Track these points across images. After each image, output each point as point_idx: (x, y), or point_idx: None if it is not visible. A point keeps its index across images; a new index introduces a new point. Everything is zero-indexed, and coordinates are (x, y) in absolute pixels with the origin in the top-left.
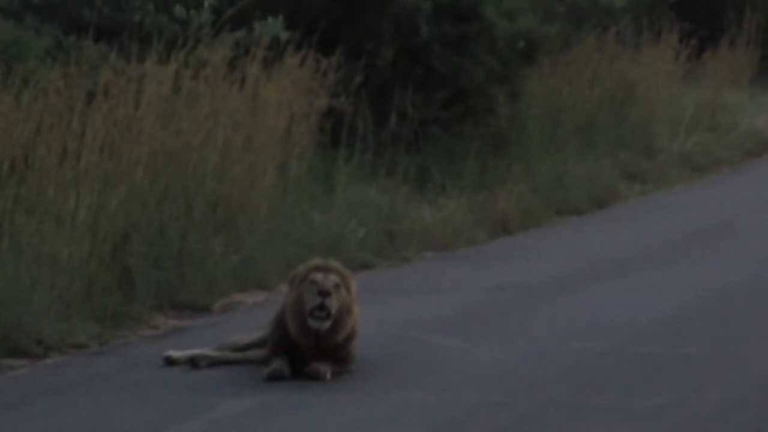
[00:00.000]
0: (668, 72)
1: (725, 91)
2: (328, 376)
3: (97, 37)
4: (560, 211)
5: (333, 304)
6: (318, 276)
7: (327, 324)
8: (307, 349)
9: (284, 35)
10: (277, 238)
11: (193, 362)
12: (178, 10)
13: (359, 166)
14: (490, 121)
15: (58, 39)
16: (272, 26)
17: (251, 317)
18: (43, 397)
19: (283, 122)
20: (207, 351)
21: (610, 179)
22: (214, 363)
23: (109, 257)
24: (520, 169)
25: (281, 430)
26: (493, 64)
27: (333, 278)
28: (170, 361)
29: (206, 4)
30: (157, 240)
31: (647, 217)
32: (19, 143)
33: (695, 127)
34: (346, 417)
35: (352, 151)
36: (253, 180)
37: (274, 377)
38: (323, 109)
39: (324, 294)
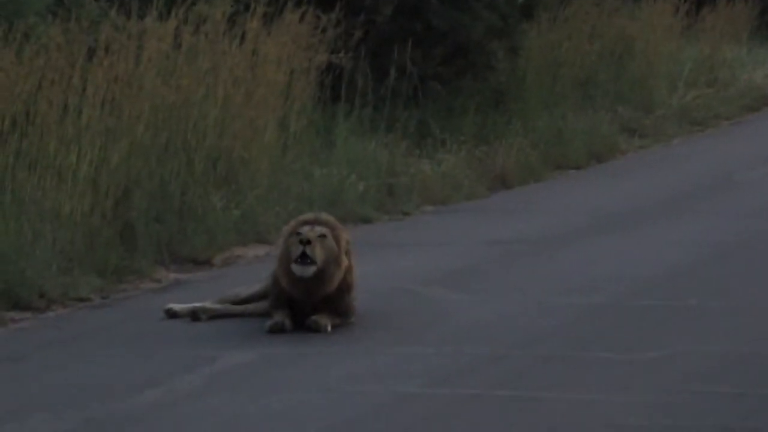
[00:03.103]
0: (667, 27)
1: (723, 47)
2: (329, 328)
3: None
4: (559, 165)
5: (316, 252)
6: (304, 228)
7: (310, 270)
8: (301, 301)
9: None
10: (278, 193)
11: (194, 315)
12: None
13: (359, 121)
14: (489, 76)
15: None
16: None
17: (252, 271)
18: (46, 349)
19: (283, 78)
20: (208, 304)
21: (609, 134)
22: (215, 316)
23: (111, 212)
24: (519, 124)
25: (283, 382)
26: (492, 19)
27: (319, 229)
28: (171, 314)
29: None
30: (158, 194)
31: (646, 172)
32: (20, 99)
33: (694, 82)
34: (346, 369)
35: (352, 106)
36: (253, 135)
37: (276, 330)
38: (323, 65)
39: (304, 243)
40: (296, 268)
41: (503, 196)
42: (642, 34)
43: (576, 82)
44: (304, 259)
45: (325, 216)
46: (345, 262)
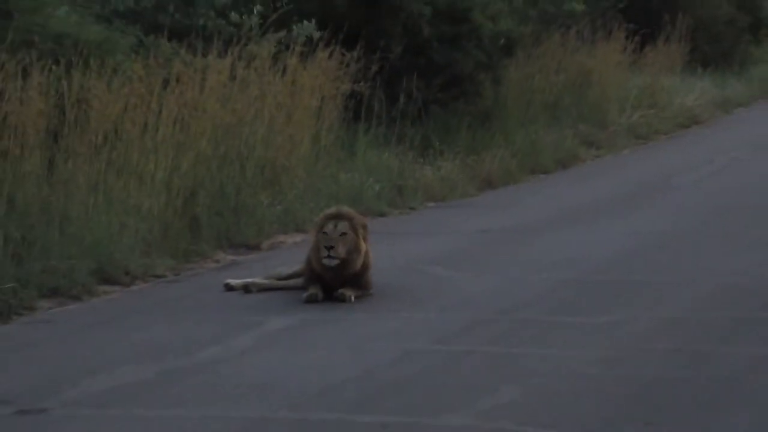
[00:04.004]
0: (617, 62)
1: (662, 77)
2: (353, 299)
3: (170, 37)
4: (533, 170)
5: (339, 250)
6: (329, 227)
7: (335, 262)
8: (330, 280)
9: (316, 34)
10: (312, 193)
11: (246, 288)
12: (233, 15)
13: (375, 136)
14: (478, 100)
15: (140, 38)
16: (307, 28)
17: (292, 254)
18: (131, 315)
19: (316, 102)
20: (257, 279)
21: (572, 146)
22: (263, 289)
23: (181, 208)
24: (501, 138)
25: (316, 340)
26: (480, 56)
27: (341, 226)
28: (229, 288)
29: (255, 11)
30: (218, 194)
31: (601, 176)
32: (110, 119)
33: (638, 105)
34: (366, 330)
35: (370, 125)
36: (292, 147)
37: (311, 300)
38: (347, 92)
39: (329, 247)
40: (325, 261)
41: (489, 195)
42: (598, 68)
43: (546, 105)
44: (330, 256)
45: (345, 209)
46: (363, 247)
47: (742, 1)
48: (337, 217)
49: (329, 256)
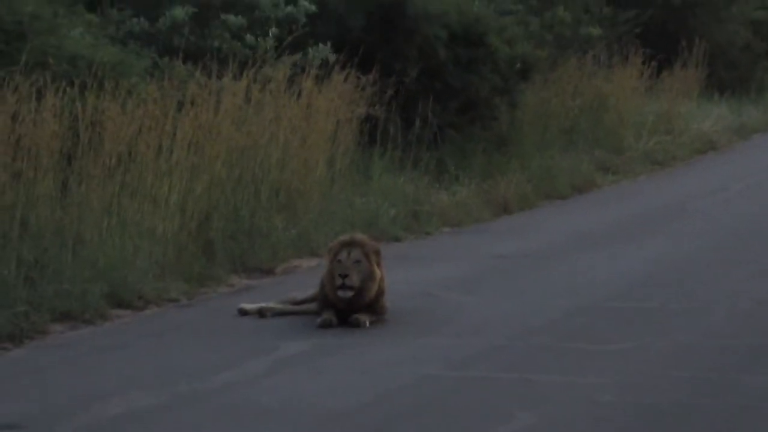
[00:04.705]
0: (634, 87)
1: (678, 103)
2: (367, 324)
3: (185, 59)
4: (549, 196)
5: (354, 279)
6: (343, 254)
7: (350, 294)
8: (345, 307)
9: (332, 57)
10: (327, 217)
11: (260, 313)
12: (249, 38)
13: (390, 160)
14: (494, 125)
15: (155, 60)
16: (322, 51)
17: (306, 278)
18: (144, 339)
19: (331, 126)
20: (272, 304)
21: (588, 171)
22: (278, 314)
23: (195, 231)
24: (517, 163)
25: (330, 365)
26: (496, 80)
27: (354, 254)
28: (243, 312)
29: (270, 33)
30: (232, 218)
31: (617, 201)
32: (124, 141)
33: (655, 131)
34: (381, 356)
35: (385, 148)
36: (307, 171)
37: (325, 325)
38: (362, 116)
39: (344, 276)
40: (340, 293)
41: (505, 220)
42: (614, 93)
43: (562, 130)
44: (344, 287)
45: (359, 236)
46: (378, 273)
47: (759, 27)
48: (351, 244)
49: (344, 287)
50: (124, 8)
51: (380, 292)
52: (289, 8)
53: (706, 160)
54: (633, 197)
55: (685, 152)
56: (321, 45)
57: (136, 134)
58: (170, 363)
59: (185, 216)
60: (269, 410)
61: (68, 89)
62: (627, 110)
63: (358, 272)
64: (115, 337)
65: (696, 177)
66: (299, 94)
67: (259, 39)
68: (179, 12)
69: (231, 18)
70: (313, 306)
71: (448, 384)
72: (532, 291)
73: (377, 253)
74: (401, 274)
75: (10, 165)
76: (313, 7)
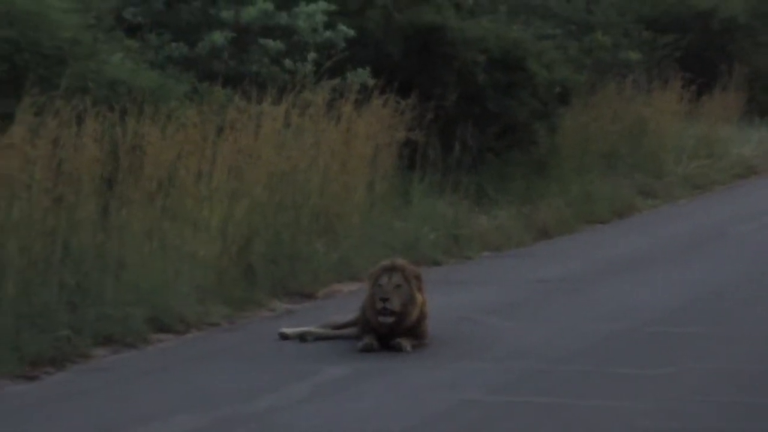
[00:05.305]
0: (674, 111)
1: (719, 127)
2: (408, 348)
3: (224, 84)
4: (589, 220)
5: (395, 303)
6: (384, 280)
7: (390, 320)
8: (386, 332)
9: (371, 82)
10: (367, 241)
11: (301, 337)
12: (288, 62)
13: (430, 184)
14: (533, 149)
15: (194, 85)
16: (361, 75)
17: (347, 302)
18: (186, 363)
19: (371, 150)
20: (313, 328)
21: (628, 195)
22: (319, 338)
23: (236, 255)
24: (556, 187)
25: (371, 390)
26: (535, 104)
27: (395, 279)
28: (284, 337)
29: (309, 58)
30: (273, 242)
31: (657, 226)
32: (164, 166)
33: (695, 155)
34: (421, 380)
35: (425, 173)
36: (347, 195)
37: (366, 350)
38: (402, 140)
39: (384, 300)
40: (381, 319)
41: (545, 245)
42: (654, 117)
43: (601, 154)
44: (385, 311)
45: (399, 261)
46: (419, 298)
47: None
48: (392, 269)
49: (385, 311)
50: (164, 33)
51: (422, 317)
52: (328, 33)
53: (747, 184)
54: (673, 222)
55: (725, 176)
56: (360, 69)
57: (176, 159)
58: (211, 387)
59: (226, 240)
60: None
61: (108, 114)
62: (667, 134)
63: (398, 296)
64: (156, 361)
65: (736, 201)
66: (338, 119)
67: (298, 64)
68: (218, 37)
69: (270, 43)
70: (354, 330)
71: (488, 409)
72: (572, 315)
73: (418, 277)
74: (441, 299)
75: (51, 190)
76: (352, 32)
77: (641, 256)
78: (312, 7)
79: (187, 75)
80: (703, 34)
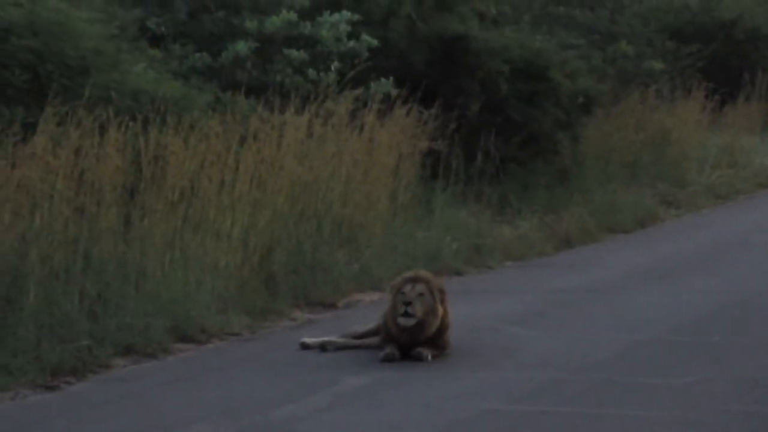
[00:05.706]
0: (696, 121)
1: (741, 136)
2: (430, 358)
3: (247, 94)
4: (611, 230)
5: (416, 308)
6: (407, 288)
7: (411, 322)
8: (406, 342)
9: (394, 92)
10: (389, 251)
11: (322, 347)
12: (311, 72)
13: (453, 194)
14: (556, 159)
15: (217, 95)
16: (384, 85)
17: (368, 312)
18: (207, 373)
19: (393, 160)
20: (334, 338)
21: (651, 205)
22: (340, 348)
23: (258, 265)
24: (579, 197)
25: (391, 400)
26: (558, 114)
27: (418, 288)
28: (305, 346)
29: (332, 68)
30: (294, 252)
31: (680, 235)
32: (186, 176)
33: (718, 165)
34: (443, 390)
35: (447, 182)
36: (369, 205)
37: (388, 359)
38: (425, 150)
39: (407, 303)
40: (401, 320)
41: (567, 254)
42: (677, 127)
43: (624, 164)
44: (407, 314)
45: (423, 273)
46: (440, 310)
47: None
48: (415, 280)
49: (406, 314)
50: (187, 43)
51: (444, 328)
52: (352, 43)
53: None
54: (696, 231)
55: (748, 186)
56: (383, 79)
57: (198, 169)
58: (233, 397)
59: (248, 250)
60: None
61: (131, 124)
62: (690, 144)
63: (421, 304)
64: (177, 371)
65: (759, 211)
66: (361, 129)
67: (321, 73)
68: (241, 47)
69: (293, 53)
70: (375, 340)
71: (510, 418)
72: (595, 325)
73: (441, 290)
74: (464, 308)
75: (73, 199)
76: (376, 42)
77: (664, 266)
78: (336, 16)
79: (210, 85)
80: (726, 44)
